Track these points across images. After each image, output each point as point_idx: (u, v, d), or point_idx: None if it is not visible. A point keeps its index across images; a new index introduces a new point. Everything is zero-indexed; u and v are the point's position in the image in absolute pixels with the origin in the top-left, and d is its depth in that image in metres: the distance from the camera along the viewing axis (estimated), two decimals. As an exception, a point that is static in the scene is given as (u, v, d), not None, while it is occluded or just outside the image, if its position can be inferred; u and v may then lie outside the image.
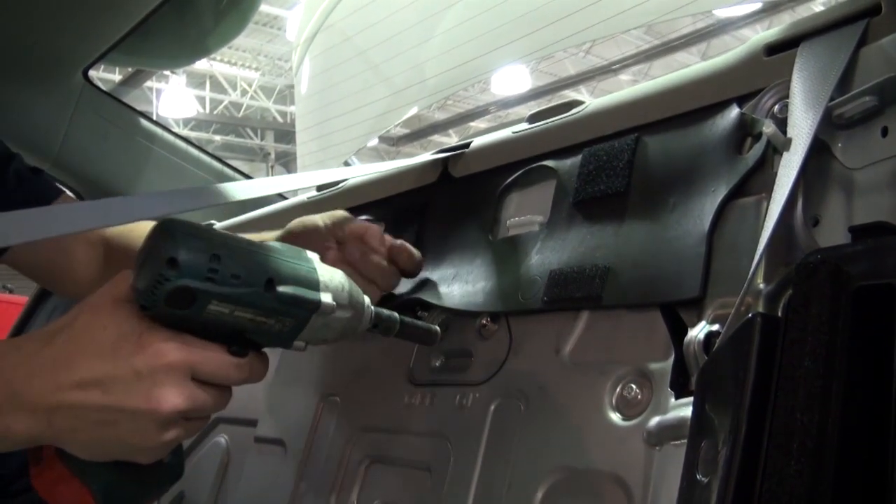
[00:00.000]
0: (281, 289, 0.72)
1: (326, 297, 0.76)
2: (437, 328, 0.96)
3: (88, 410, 0.69)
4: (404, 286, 1.12)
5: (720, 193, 0.82)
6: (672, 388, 0.79)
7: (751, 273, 0.67)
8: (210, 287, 0.68)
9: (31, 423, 0.69)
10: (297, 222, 1.07)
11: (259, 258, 0.72)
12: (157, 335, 0.70)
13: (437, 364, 1.08)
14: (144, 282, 0.68)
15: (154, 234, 0.70)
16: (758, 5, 8.40)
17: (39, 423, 0.69)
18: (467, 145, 1.19)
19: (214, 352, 0.73)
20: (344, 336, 0.82)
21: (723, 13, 9.15)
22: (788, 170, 0.69)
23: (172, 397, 0.70)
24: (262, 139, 16.27)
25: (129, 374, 0.69)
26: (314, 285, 0.76)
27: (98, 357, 0.69)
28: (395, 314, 0.89)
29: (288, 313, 0.74)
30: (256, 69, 14.44)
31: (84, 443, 0.72)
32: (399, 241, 1.07)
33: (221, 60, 13.86)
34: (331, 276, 0.78)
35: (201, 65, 13.51)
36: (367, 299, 0.84)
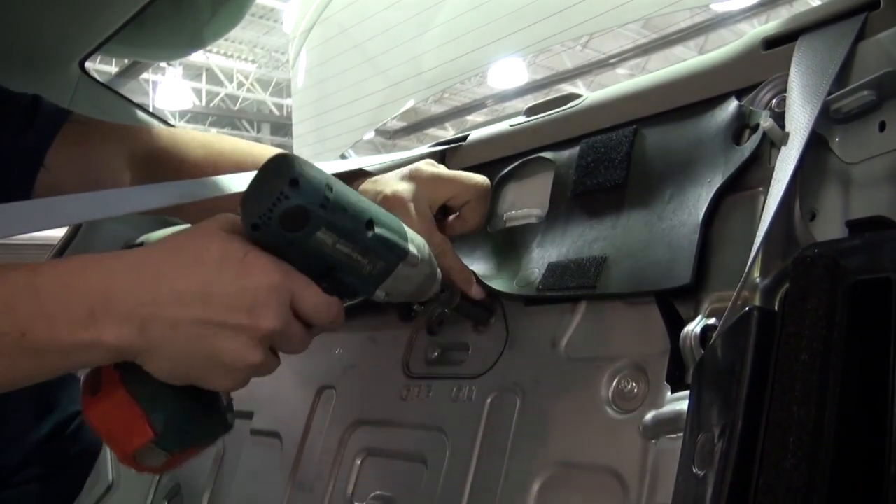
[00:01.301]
0: (378, 230, 0.77)
1: (413, 249, 0.81)
2: (491, 308, 1.02)
3: (186, 323, 0.71)
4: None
5: (716, 183, 0.82)
6: (668, 381, 0.79)
7: (748, 267, 0.67)
8: (322, 213, 0.72)
9: (123, 333, 0.69)
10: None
11: (361, 199, 0.77)
12: (263, 257, 0.73)
13: (434, 357, 1.08)
14: (262, 200, 0.71)
15: (275, 159, 0.74)
16: (755, -1, 8.40)
17: (131, 334, 0.70)
18: (464, 138, 1.19)
19: (311, 285, 0.75)
20: (418, 294, 0.87)
21: (720, 7, 9.15)
22: (786, 164, 0.69)
23: (272, 317, 0.72)
24: (258, 132, 16.24)
25: (234, 290, 0.71)
26: (404, 235, 0.81)
27: (201, 272, 0.71)
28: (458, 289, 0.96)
29: (381, 255, 0.78)
30: (253, 61, 14.41)
31: (170, 357, 0.72)
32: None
33: (218, 52, 13.84)
34: (414, 234, 0.83)
35: (197, 57, 13.49)
36: (438, 268, 0.89)
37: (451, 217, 1.04)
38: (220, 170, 1.07)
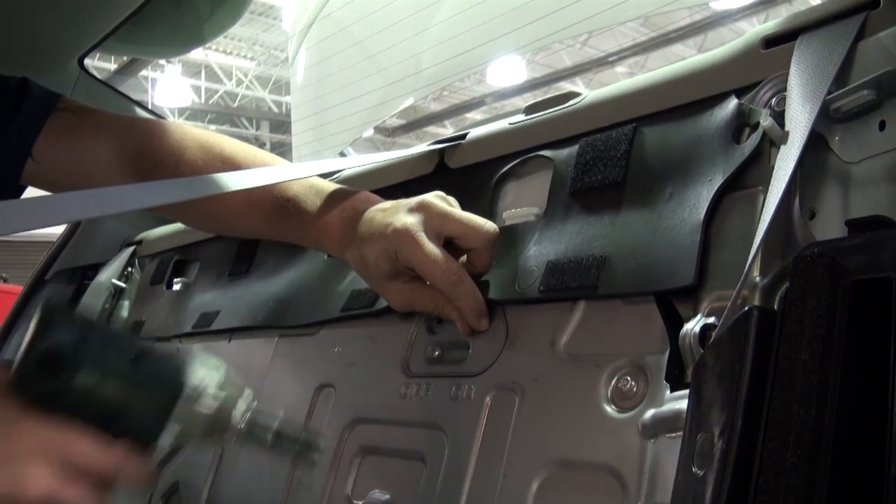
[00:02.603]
0: (148, 366, 0.73)
1: (193, 382, 0.76)
2: (321, 445, 0.89)
3: None
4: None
5: (717, 182, 0.82)
6: (667, 380, 0.79)
7: (747, 266, 0.67)
8: (80, 354, 0.70)
9: None
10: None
11: (127, 338, 0.75)
12: (27, 419, 0.70)
13: (433, 355, 1.08)
14: (22, 353, 0.69)
15: (37, 313, 0.72)
16: (755, -3, 8.40)
17: None
18: (464, 136, 1.19)
19: (83, 436, 0.72)
20: (211, 434, 0.80)
21: (720, 6, 9.15)
22: (785, 163, 0.69)
23: (38, 480, 0.69)
24: (257, 129, 16.26)
25: (2, 458, 0.69)
26: (181, 368, 0.76)
27: None
28: (275, 425, 0.84)
29: (154, 390, 0.74)
30: (252, 59, 14.43)
31: None
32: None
33: (217, 50, 13.85)
34: (207, 371, 0.78)
35: (197, 54, 13.51)
36: (246, 400, 0.82)
37: (459, 260, 1.03)
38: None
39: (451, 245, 1.00)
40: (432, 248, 0.95)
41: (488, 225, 0.99)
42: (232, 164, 1.09)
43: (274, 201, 1.08)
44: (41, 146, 1.09)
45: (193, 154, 1.11)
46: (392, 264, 0.99)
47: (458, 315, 0.99)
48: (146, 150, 1.13)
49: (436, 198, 1.00)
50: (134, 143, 1.14)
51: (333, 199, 1.08)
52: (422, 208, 0.98)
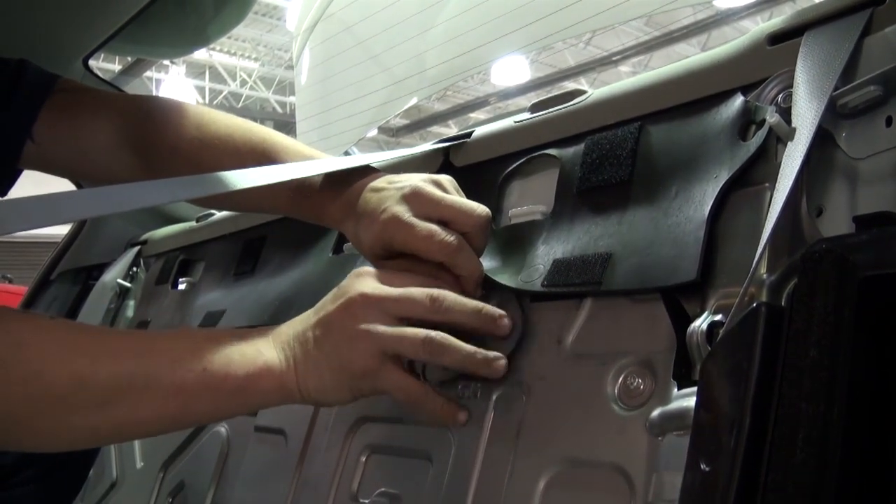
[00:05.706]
0: None
1: None
2: None
3: None
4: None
5: (722, 179, 0.82)
6: (675, 378, 0.79)
7: (754, 263, 0.66)
8: None
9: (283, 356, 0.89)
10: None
11: None
12: None
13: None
14: None
15: None
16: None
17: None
18: (469, 135, 1.19)
19: None
20: None
21: (723, 4, 9.15)
22: (792, 159, 0.69)
23: None
24: (261, 130, 16.24)
25: None
26: None
27: None
28: None
29: None
30: (256, 59, 14.44)
31: None
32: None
33: (221, 50, 13.87)
34: None
35: (201, 55, 13.53)
36: None
37: None
38: (216, 155, 1.06)
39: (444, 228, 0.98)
40: (425, 226, 0.95)
41: (480, 208, 0.98)
42: (226, 143, 1.10)
43: (289, 186, 1.09)
44: (40, 127, 1.09)
45: (190, 137, 1.11)
46: (387, 249, 0.99)
47: (456, 287, 0.98)
48: (142, 133, 1.14)
49: (428, 183, 0.99)
50: (131, 124, 1.14)
51: (335, 179, 1.09)
52: (414, 196, 0.97)
